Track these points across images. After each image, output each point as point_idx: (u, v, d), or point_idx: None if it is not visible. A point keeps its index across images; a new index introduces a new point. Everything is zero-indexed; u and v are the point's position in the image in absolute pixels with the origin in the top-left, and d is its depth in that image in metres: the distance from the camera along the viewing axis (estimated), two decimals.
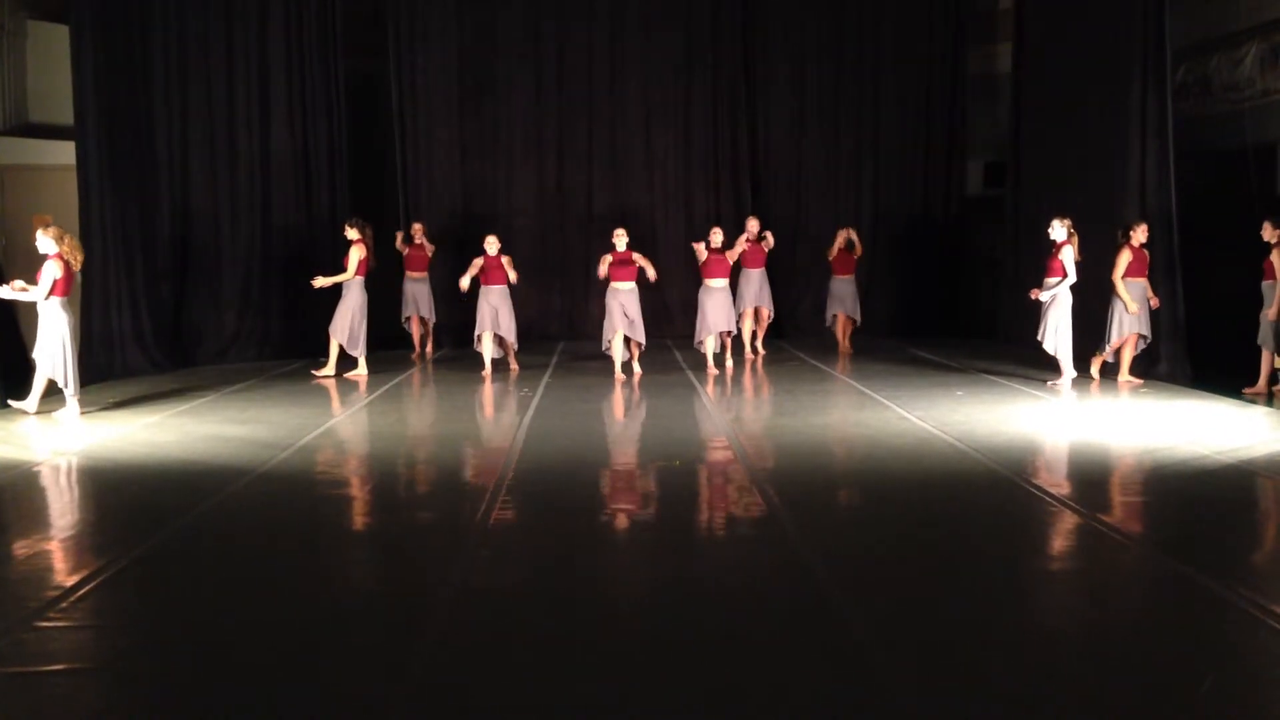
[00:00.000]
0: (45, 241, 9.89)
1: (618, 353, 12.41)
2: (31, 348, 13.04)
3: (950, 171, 17.29)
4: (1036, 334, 11.56)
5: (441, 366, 13.89)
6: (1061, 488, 7.48)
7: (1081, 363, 11.63)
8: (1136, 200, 12.20)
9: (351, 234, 12.54)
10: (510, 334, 12.89)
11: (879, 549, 6.14)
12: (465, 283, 12.69)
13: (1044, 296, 11.36)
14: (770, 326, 14.92)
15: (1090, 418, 9.95)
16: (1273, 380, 10.63)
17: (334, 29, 14.74)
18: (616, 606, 5.27)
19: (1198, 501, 7.29)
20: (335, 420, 10.18)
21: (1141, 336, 11.51)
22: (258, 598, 5.34)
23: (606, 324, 12.49)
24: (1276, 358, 10.62)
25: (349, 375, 12.56)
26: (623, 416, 10.77)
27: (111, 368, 12.46)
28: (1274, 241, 10.61)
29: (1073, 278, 11.23)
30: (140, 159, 13.45)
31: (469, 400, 11.67)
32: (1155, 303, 11.49)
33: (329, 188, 14.77)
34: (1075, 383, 11.36)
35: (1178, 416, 9.85)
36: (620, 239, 12.52)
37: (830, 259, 14.76)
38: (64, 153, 12.91)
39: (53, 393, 10.08)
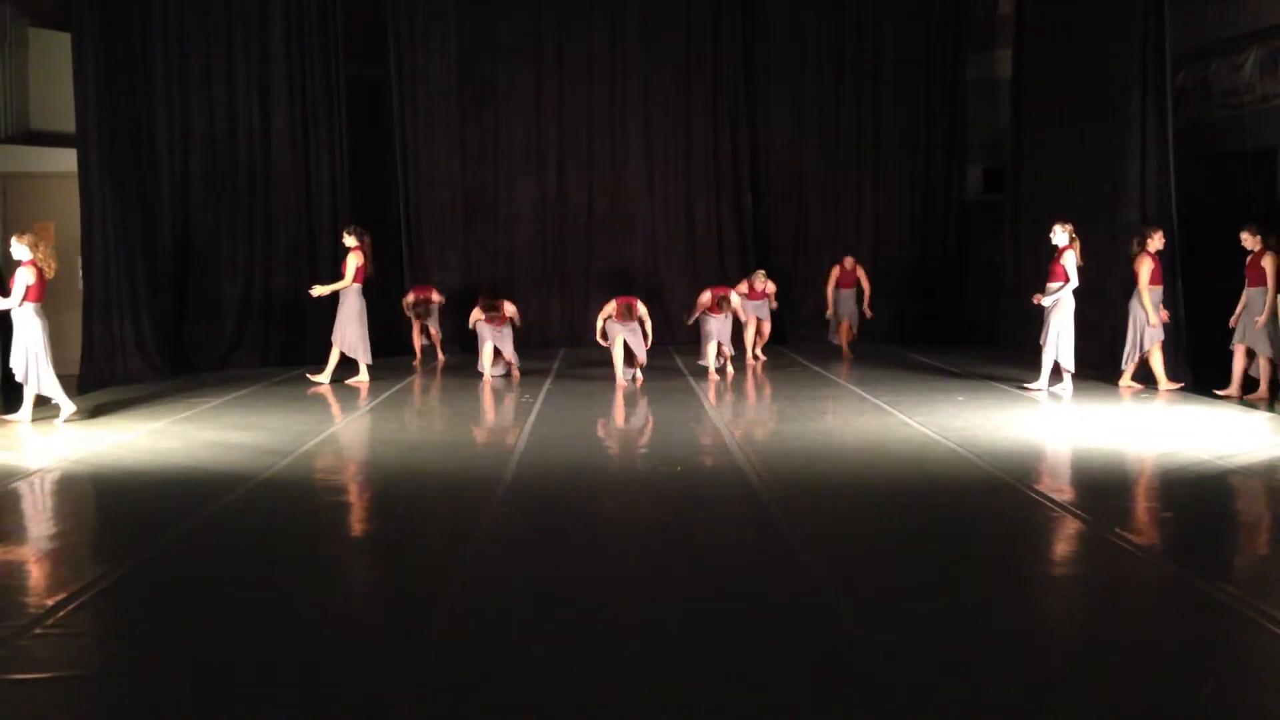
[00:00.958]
0: (19, 249, 9.94)
1: (619, 359, 12.40)
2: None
3: (950, 176, 17.29)
4: (1039, 339, 11.56)
5: (443, 373, 13.89)
6: (1062, 493, 7.48)
7: (1085, 368, 11.64)
8: (1136, 205, 12.21)
9: (349, 241, 12.55)
10: (509, 351, 12.93)
11: (880, 554, 6.15)
12: (472, 323, 12.89)
13: (1046, 301, 11.36)
14: (770, 332, 14.93)
15: (1090, 423, 9.94)
16: (1272, 385, 10.67)
17: (334, 35, 14.76)
18: (617, 610, 5.27)
19: (1199, 506, 7.30)
20: (337, 427, 10.18)
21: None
22: (260, 603, 5.35)
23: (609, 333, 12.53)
24: (1268, 361, 10.67)
25: (351, 382, 12.56)
26: (623, 422, 10.78)
27: (113, 374, 12.46)
28: (1256, 248, 10.66)
29: (1075, 282, 11.23)
30: (141, 166, 13.47)
31: (470, 406, 11.68)
32: (1165, 316, 11.42)
33: (330, 194, 14.78)
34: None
35: (1177, 421, 9.86)
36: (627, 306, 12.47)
37: (832, 281, 14.85)
38: (65, 160, 12.93)
39: (50, 401, 10.09)
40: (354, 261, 12.42)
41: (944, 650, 4.66)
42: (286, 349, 14.32)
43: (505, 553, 6.28)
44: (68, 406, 10.04)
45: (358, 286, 12.48)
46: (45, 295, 10.07)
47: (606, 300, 12.64)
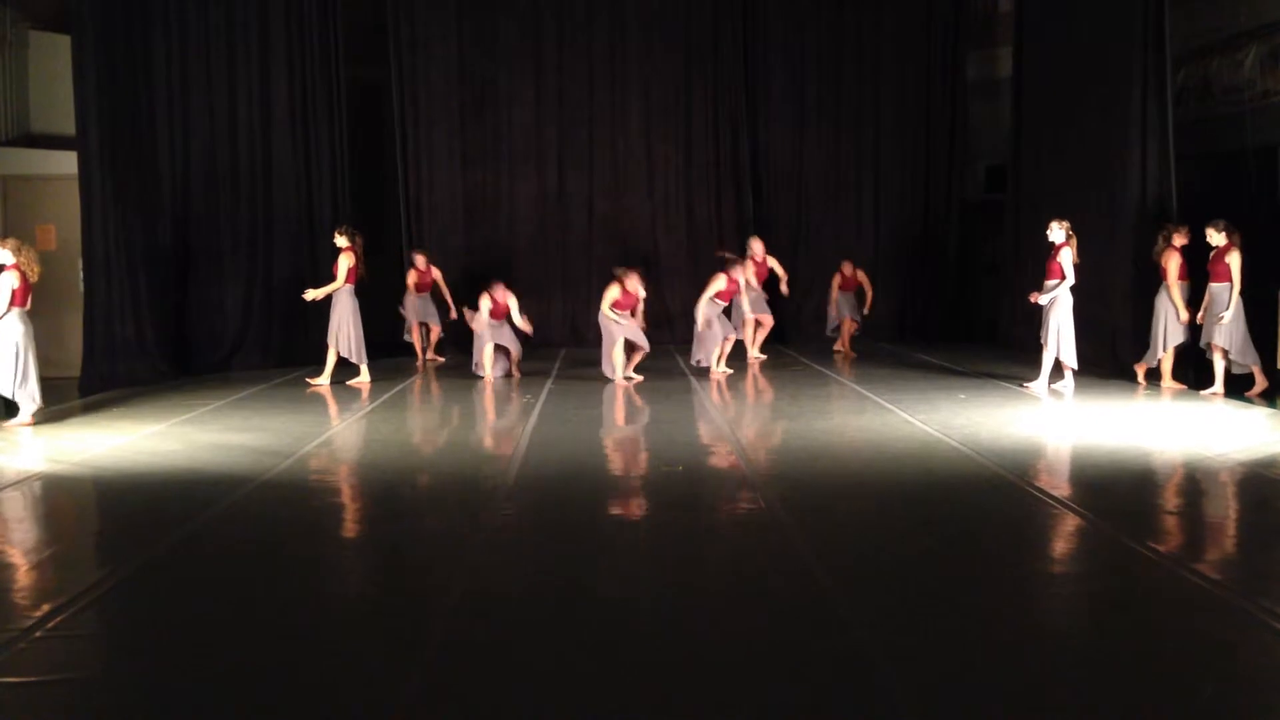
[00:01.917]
0: (2, 253, 9.92)
1: (619, 361, 12.40)
2: (36, 362, 13.10)
3: (951, 175, 17.29)
4: (1039, 337, 11.56)
5: (443, 374, 13.89)
6: (1065, 491, 7.47)
7: (1087, 366, 11.62)
8: (1137, 203, 12.20)
9: (341, 241, 12.53)
10: (514, 345, 12.93)
11: (882, 553, 6.14)
12: (475, 324, 12.86)
13: (1043, 300, 11.36)
14: (772, 331, 14.93)
15: (1093, 420, 9.94)
16: (1226, 377, 10.77)
17: (335, 38, 14.77)
18: (618, 611, 5.27)
19: (1201, 503, 7.31)
20: (338, 428, 10.18)
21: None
22: (260, 606, 5.34)
23: (605, 343, 12.51)
24: (1227, 355, 10.70)
25: (351, 383, 12.56)
26: (624, 422, 10.77)
27: (114, 376, 12.46)
28: (1221, 244, 10.66)
29: (1071, 279, 11.22)
30: (142, 168, 13.47)
31: (471, 407, 11.68)
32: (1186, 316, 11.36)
33: (331, 196, 14.78)
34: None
35: (1179, 418, 9.85)
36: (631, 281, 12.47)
37: (835, 289, 14.85)
38: (66, 163, 12.94)
39: (59, 401, 10.09)
40: (345, 262, 12.39)
41: (946, 648, 4.66)
42: (288, 350, 14.32)
43: (507, 554, 6.27)
44: (25, 415, 9.98)
45: (350, 287, 12.44)
46: (30, 299, 10.04)
47: (601, 324, 12.65)
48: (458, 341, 15.05)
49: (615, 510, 7.36)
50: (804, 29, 17.19)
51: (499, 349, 12.95)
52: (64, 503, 7.72)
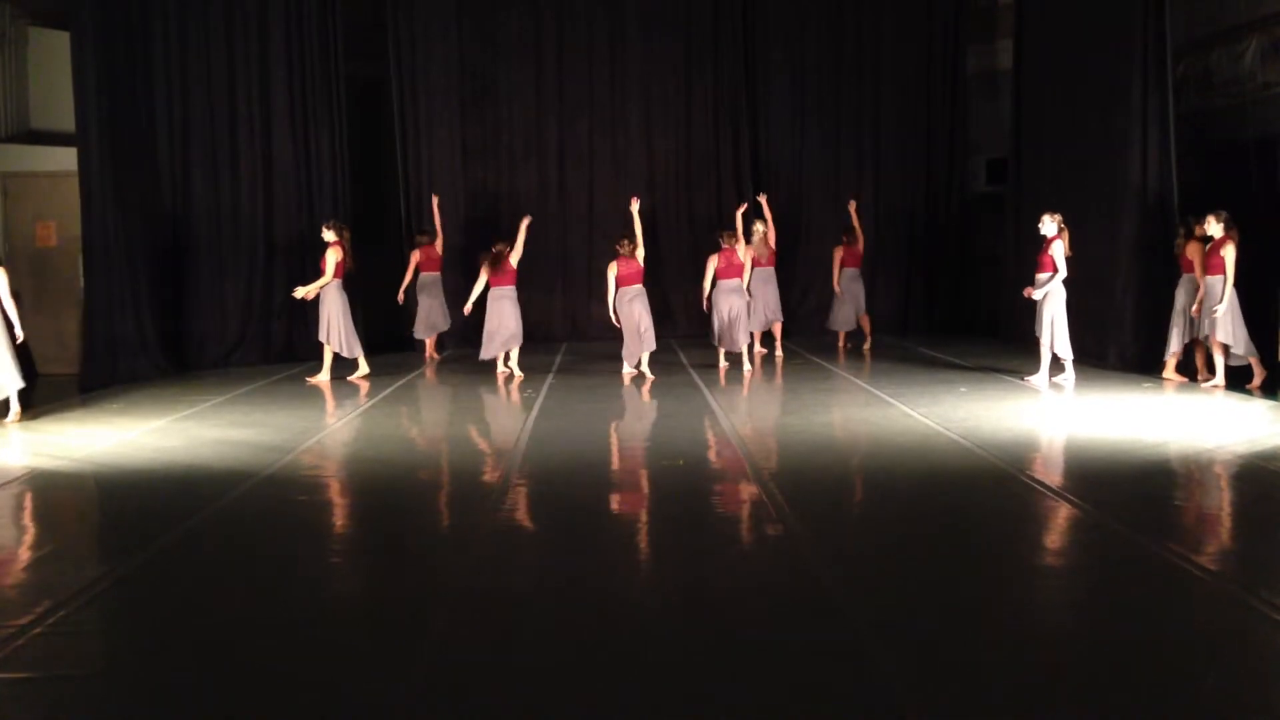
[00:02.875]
0: None
1: (632, 342, 12.40)
2: (37, 359, 13.15)
3: (952, 168, 17.27)
4: (1034, 330, 11.55)
5: (444, 368, 13.90)
6: (1065, 483, 7.46)
7: (1088, 358, 11.61)
8: (1138, 195, 12.18)
9: (328, 236, 12.48)
10: (518, 337, 12.89)
11: (884, 546, 6.14)
12: (469, 307, 12.85)
13: (1036, 294, 11.36)
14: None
15: (1093, 413, 9.93)
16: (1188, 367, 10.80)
17: (334, 34, 14.76)
18: (620, 605, 5.27)
19: (1201, 496, 7.30)
20: (339, 423, 10.18)
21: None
22: (261, 601, 5.35)
23: (626, 334, 12.49)
24: (1226, 349, 10.68)
25: (351, 378, 12.56)
26: (626, 416, 10.77)
27: (115, 373, 12.47)
28: (1219, 235, 10.61)
29: (1063, 272, 11.22)
30: (142, 165, 13.47)
31: (472, 402, 11.68)
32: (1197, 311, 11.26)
33: (331, 192, 14.78)
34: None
35: (1179, 411, 9.84)
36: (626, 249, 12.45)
37: (837, 262, 14.73)
38: (66, 159, 12.96)
39: (60, 397, 10.09)
40: (333, 257, 12.36)
41: (947, 641, 4.66)
42: (288, 346, 14.33)
43: (508, 549, 6.28)
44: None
45: (338, 282, 12.41)
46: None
47: (606, 293, 12.62)
48: (465, 335, 15.05)
49: (616, 506, 7.36)
50: (804, 22, 17.16)
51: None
52: (65, 499, 7.73)
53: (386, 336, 15.05)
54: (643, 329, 12.34)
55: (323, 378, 12.49)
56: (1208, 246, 10.79)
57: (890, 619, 4.90)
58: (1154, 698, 4.13)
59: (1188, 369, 11.36)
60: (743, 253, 12.80)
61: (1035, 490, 7.15)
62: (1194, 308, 10.98)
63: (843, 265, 14.76)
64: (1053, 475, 7.81)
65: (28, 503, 7.50)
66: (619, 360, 12.63)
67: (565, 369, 13.48)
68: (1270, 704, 4.15)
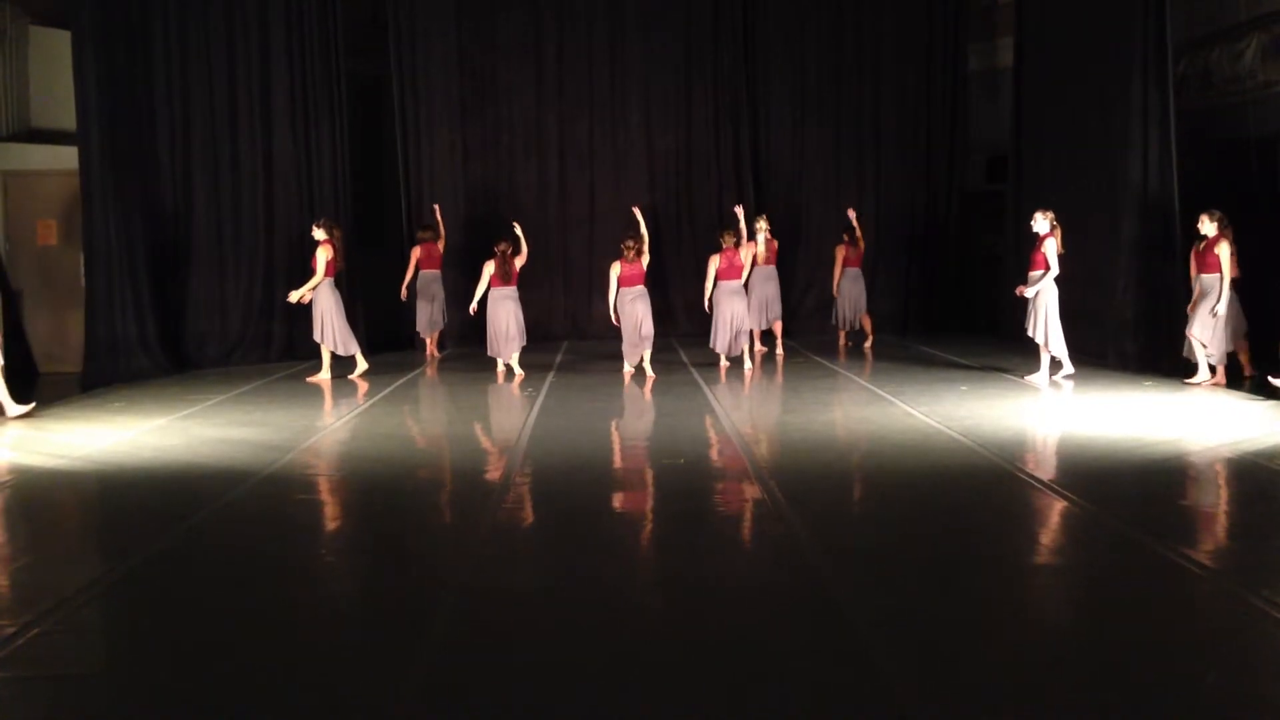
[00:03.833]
0: None
1: (632, 341, 12.40)
2: (38, 358, 13.17)
3: (952, 167, 17.25)
4: (1025, 328, 11.55)
5: (444, 367, 13.90)
6: (1065, 482, 7.46)
7: (1089, 358, 11.60)
8: (1138, 194, 12.18)
9: (319, 234, 12.45)
10: (521, 336, 12.88)
11: (884, 544, 6.14)
12: (474, 307, 12.84)
13: (1029, 293, 11.37)
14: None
15: (1094, 412, 9.93)
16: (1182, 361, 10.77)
17: (335, 32, 14.75)
18: (621, 604, 5.27)
19: (1201, 494, 7.30)
20: (339, 422, 10.18)
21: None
22: (262, 601, 5.35)
23: (626, 333, 12.51)
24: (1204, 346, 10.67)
25: (351, 377, 12.56)
26: (627, 415, 10.77)
27: (116, 372, 12.48)
28: (1214, 233, 10.58)
29: (1055, 270, 11.22)
30: (143, 163, 13.47)
31: (473, 401, 11.68)
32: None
33: (332, 190, 14.77)
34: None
35: (1180, 409, 9.84)
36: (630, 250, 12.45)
37: (841, 256, 14.72)
38: (67, 158, 12.96)
39: (61, 396, 10.10)
40: (324, 255, 12.33)
41: (947, 640, 4.66)
42: (288, 346, 14.32)
43: (509, 548, 6.28)
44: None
45: (330, 280, 12.40)
46: None
47: (607, 291, 12.62)
48: (459, 331, 15.04)
49: (617, 504, 7.36)
50: (804, 21, 17.14)
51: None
52: (66, 498, 7.73)
53: (387, 335, 15.07)
54: (644, 330, 12.35)
55: (323, 376, 12.49)
56: (1201, 245, 10.77)
57: (890, 618, 4.90)
58: (1154, 696, 4.13)
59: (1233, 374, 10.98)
60: (745, 253, 12.85)
61: (1035, 489, 7.15)
62: (1189, 305, 10.92)
63: (844, 264, 14.79)
64: (1053, 473, 7.81)
65: (27, 501, 7.49)
66: (619, 359, 12.64)
67: (566, 368, 13.48)
68: (1270, 701, 4.15)
